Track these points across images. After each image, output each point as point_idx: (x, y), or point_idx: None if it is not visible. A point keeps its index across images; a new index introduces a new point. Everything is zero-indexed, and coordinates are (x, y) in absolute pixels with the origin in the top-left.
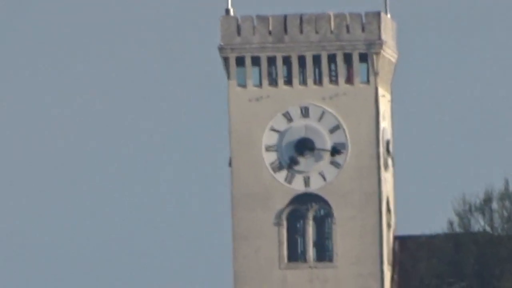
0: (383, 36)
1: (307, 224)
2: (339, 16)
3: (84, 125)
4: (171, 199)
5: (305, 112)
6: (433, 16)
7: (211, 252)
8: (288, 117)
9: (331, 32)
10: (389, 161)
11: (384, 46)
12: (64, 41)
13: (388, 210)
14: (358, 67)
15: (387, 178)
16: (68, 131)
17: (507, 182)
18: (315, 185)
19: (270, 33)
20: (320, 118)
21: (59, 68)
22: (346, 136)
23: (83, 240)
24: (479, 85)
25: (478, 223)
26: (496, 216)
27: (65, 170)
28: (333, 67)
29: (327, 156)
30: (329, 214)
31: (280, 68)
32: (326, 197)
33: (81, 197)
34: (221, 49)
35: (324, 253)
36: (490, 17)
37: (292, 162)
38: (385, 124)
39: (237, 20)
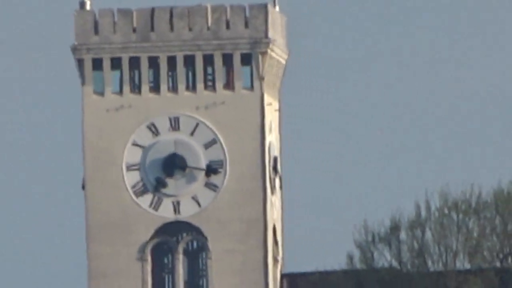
0: (271, 34)
1: (176, 259)
2: (218, 9)
3: None
4: (15, 227)
5: (174, 124)
6: (330, 10)
7: None
8: (153, 130)
9: (208, 28)
10: (277, 183)
11: (271, 45)
12: None
13: (275, 241)
14: (240, 70)
15: (274, 202)
16: None
17: (418, 208)
18: (187, 212)
19: (134, 30)
20: (193, 132)
21: None
22: (224, 152)
23: None
24: (384, 90)
25: (383, 257)
26: (404, 248)
27: None
28: (209, 70)
29: (201, 177)
30: (203, 247)
31: (145, 71)
32: (200, 226)
33: None
34: (74, 49)
35: None
36: (393, 12)
37: (159, 184)
38: (272, 138)
39: (94, 15)
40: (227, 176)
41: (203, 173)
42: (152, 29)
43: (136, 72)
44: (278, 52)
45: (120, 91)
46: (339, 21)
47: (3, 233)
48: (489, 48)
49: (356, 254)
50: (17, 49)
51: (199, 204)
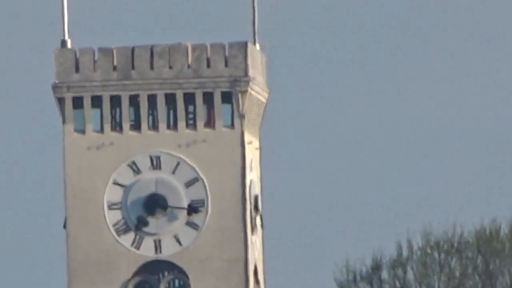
0: (251, 72)
1: None
2: (198, 48)
3: None
4: None
5: (156, 163)
6: (311, 47)
7: None
8: (135, 169)
9: (189, 66)
10: (258, 222)
11: (251, 84)
12: None
13: (257, 281)
14: (221, 108)
15: (255, 242)
16: None
17: (399, 247)
18: (169, 251)
19: (114, 68)
20: (175, 170)
21: None
22: (206, 191)
23: None
24: (366, 129)
25: None
26: (386, 287)
27: None
28: (191, 108)
29: (182, 216)
30: (185, 285)
31: (126, 110)
32: (182, 265)
33: None
34: (55, 87)
35: None
36: (374, 47)
37: (141, 223)
38: (253, 176)
39: (75, 53)
40: (208, 215)
41: (184, 212)
42: (133, 67)
43: (118, 110)
44: (258, 91)
45: (101, 129)
46: (320, 59)
47: None
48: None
49: None
50: None
51: (180, 243)
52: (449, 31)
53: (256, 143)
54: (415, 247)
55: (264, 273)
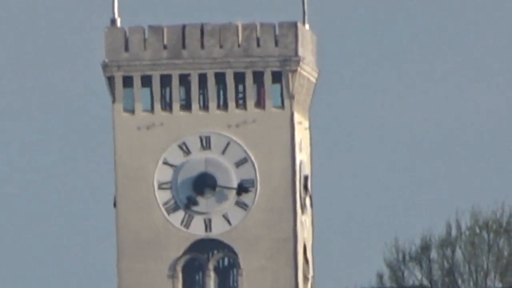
0: (301, 51)
1: (207, 276)
2: (249, 27)
3: None
4: (47, 244)
5: (206, 143)
6: (361, 27)
7: None
8: (185, 149)
9: (239, 46)
10: (307, 202)
11: (301, 63)
12: None
13: (305, 260)
14: (271, 88)
15: (304, 221)
16: None
17: (448, 227)
18: (218, 230)
19: (165, 47)
20: (224, 150)
21: None
22: (255, 171)
23: None
24: (415, 105)
25: (414, 276)
26: (435, 267)
27: None
28: (240, 88)
29: (232, 196)
30: (234, 264)
31: (176, 89)
32: (231, 244)
33: None
34: (105, 66)
35: None
36: (423, 27)
37: (190, 202)
38: (303, 156)
39: (124, 32)
40: (257, 195)
41: (234, 192)
42: (183, 46)
43: (167, 90)
44: (308, 70)
45: (151, 109)
46: (369, 38)
47: (37, 250)
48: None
49: (386, 272)
50: (47, 66)
51: (229, 222)
52: None
53: (305, 124)
54: (463, 227)
55: (313, 253)
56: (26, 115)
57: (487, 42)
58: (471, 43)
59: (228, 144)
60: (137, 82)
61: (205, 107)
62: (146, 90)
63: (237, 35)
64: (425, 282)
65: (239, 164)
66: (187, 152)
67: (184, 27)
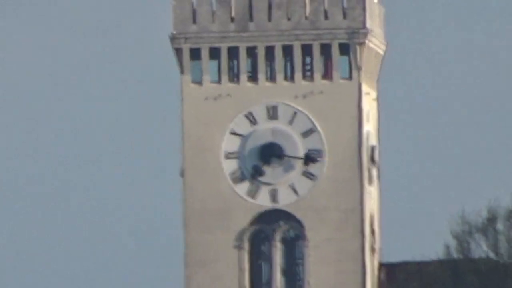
0: (369, 24)
1: (274, 247)
2: (316, 0)
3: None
4: (116, 213)
5: (272, 113)
6: (428, 1)
7: (160, 280)
8: (251, 119)
9: (306, 18)
10: (374, 172)
11: (369, 36)
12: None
13: (372, 231)
14: (338, 60)
15: (372, 192)
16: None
17: None
18: (285, 201)
19: (232, 19)
20: (291, 120)
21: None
22: (322, 141)
23: None
24: (480, 80)
25: (480, 248)
26: (501, 239)
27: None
28: (308, 60)
29: (299, 166)
30: (301, 235)
31: (243, 61)
32: (298, 215)
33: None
34: (173, 38)
35: (294, 282)
36: (490, 6)
37: (256, 172)
38: (370, 127)
39: (192, 4)
40: (325, 166)
41: (300, 162)
42: (251, 18)
43: (235, 62)
44: (376, 43)
45: (219, 81)
46: (437, 13)
47: (107, 219)
48: None
49: (453, 244)
50: (116, 38)
51: (296, 193)
52: None
53: (373, 94)
54: None
55: (380, 224)
56: (97, 85)
57: None
58: None
59: (295, 114)
60: (205, 54)
61: (272, 78)
62: (214, 62)
63: (305, 8)
64: (491, 254)
65: (306, 134)
66: (253, 122)
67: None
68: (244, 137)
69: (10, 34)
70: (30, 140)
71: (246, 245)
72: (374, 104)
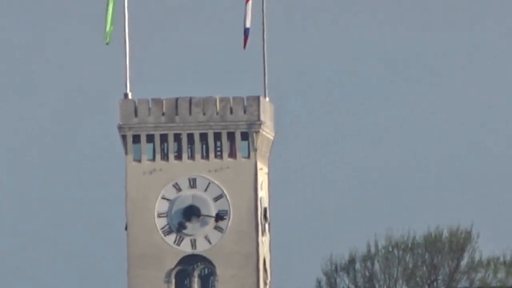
0: (262, 117)
1: (193, 282)
2: (224, 100)
3: None
4: (75, 257)
5: (193, 183)
6: (308, 99)
7: None
8: (177, 188)
9: (217, 113)
10: (266, 227)
11: (262, 126)
12: None
13: (265, 269)
14: (240, 144)
15: (264, 241)
16: None
17: (369, 246)
18: (201, 247)
19: (163, 114)
20: (206, 188)
21: None
22: (228, 204)
23: None
24: (343, 159)
25: (343, 282)
26: (359, 275)
27: None
28: (218, 144)
29: (212, 222)
30: (212, 272)
31: (171, 144)
32: (211, 258)
33: None
34: (120, 128)
35: None
36: (371, 91)
37: (181, 227)
38: (263, 193)
39: (134, 102)
40: (230, 222)
41: (213, 219)
42: (177, 113)
43: (165, 145)
44: (267, 131)
45: (153, 159)
46: (314, 109)
47: (62, 257)
48: None
49: (323, 279)
50: (75, 127)
51: (209, 242)
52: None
53: (265, 169)
54: (380, 246)
55: (271, 264)
56: (58, 165)
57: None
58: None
59: (209, 184)
60: (143, 139)
61: (192, 157)
62: (150, 145)
63: (216, 106)
64: (352, 287)
65: (216, 199)
66: (178, 190)
67: (177, 99)
68: (171, 201)
69: None
70: None
71: (173, 280)
72: (266, 176)
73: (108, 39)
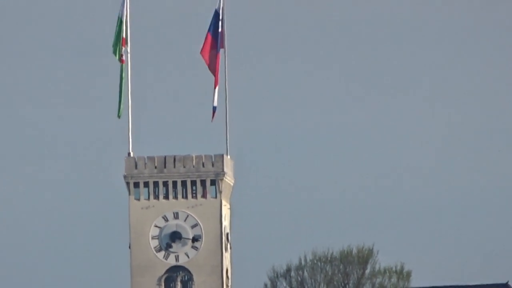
0: (225, 169)
1: (177, 286)
2: (198, 157)
3: None
4: (90, 269)
5: (176, 216)
6: (258, 157)
7: None
8: (165, 219)
9: (193, 166)
10: (228, 246)
11: (226, 176)
12: None
13: (227, 276)
14: (210, 188)
15: (227, 256)
16: None
17: (300, 259)
18: (182, 261)
19: (155, 167)
20: (186, 219)
21: None
22: (201, 230)
23: None
24: (283, 198)
25: (282, 285)
26: (293, 281)
27: None
28: (194, 188)
29: (189, 243)
30: (190, 279)
31: (161, 188)
32: (189, 268)
33: None
34: (125, 177)
35: None
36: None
37: (168, 246)
38: (226, 223)
39: (135, 159)
40: (203, 243)
41: (190, 241)
42: (165, 167)
43: (157, 189)
44: (229, 179)
45: (148, 199)
46: (267, 163)
47: (75, 272)
48: None
49: (268, 283)
50: (93, 178)
51: (188, 257)
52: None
53: (228, 206)
54: (308, 259)
55: (232, 273)
56: (79, 204)
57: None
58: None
59: (187, 216)
60: (141, 185)
61: (176, 197)
62: (146, 189)
63: (192, 161)
64: None
65: (193, 227)
66: (166, 220)
67: (165, 157)
68: (161, 228)
69: None
70: None
71: (162, 284)
72: (228, 211)
73: (120, 114)
